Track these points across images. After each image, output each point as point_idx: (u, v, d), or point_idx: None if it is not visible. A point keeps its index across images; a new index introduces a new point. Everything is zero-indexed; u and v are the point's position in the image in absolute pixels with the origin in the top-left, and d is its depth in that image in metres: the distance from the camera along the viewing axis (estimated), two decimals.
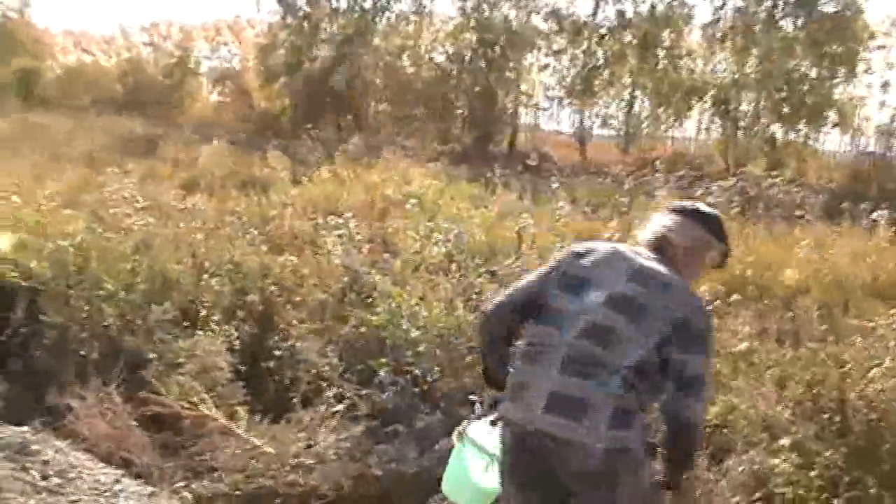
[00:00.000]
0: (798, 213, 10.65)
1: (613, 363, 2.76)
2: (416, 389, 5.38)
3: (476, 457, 3.26)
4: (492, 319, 3.08)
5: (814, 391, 5.03)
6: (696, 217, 3.11)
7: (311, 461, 4.78)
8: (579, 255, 3.02)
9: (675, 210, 3.16)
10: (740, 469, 4.19)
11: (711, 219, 3.13)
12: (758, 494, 4.01)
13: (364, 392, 5.33)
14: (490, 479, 3.17)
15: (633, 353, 2.77)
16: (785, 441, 4.54)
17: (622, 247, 3.08)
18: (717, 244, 3.11)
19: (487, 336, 3.11)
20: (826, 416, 4.93)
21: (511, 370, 2.96)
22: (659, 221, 3.12)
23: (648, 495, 2.95)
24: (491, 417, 3.17)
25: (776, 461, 4.36)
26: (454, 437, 3.37)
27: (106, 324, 5.96)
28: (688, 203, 3.27)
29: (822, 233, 9.09)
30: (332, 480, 4.69)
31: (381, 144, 15.76)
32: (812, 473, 4.51)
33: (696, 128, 21.96)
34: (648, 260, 2.98)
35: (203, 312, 6.06)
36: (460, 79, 21.46)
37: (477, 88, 20.90)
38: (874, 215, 9.49)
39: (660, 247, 3.05)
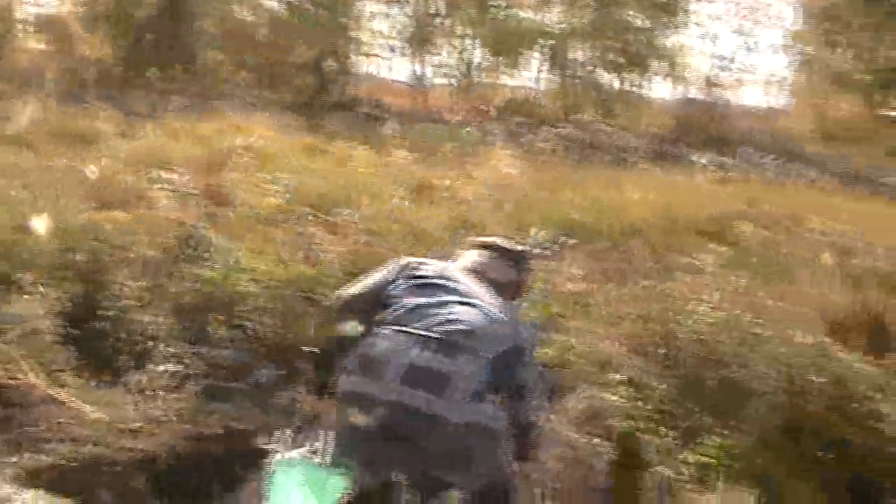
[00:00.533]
0: (627, 157, 10.95)
1: (473, 347, 2.84)
2: (253, 345, 5.25)
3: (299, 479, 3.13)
4: (345, 308, 3.14)
5: (645, 327, 5.19)
6: (505, 254, 3.33)
7: (146, 426, 4.61)
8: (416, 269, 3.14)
9: (484, 247, 3.37)
10: (578, 406, 4.27)
11: (521, 254, 3.41)
12: (596, 430, 4.09)
13: (199, 350, 5.15)
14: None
15: (490, 348, 2.88)
16: (619, 376, 4.66)
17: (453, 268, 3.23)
18: (522, 275, 3.38)
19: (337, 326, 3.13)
20: (657, 350, 5.10)
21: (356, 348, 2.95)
22: (472, 259, 3.31)
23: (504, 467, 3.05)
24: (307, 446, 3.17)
25: (612, 396, 4.47)
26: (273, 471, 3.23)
27: None
28: (491, 241, 3.46)
29: (650, 176, 9.36)
30: (169, 444, 4.53)
31: (216, 95, 15.27)
32: (644, 405, 4.67)
33: (533, 76, 22.29)
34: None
35: (24, 275, 5.71)
36: (296, 27, 20.96)
37: (313, 39, 20.47)
38: (699, 159, 9.85)
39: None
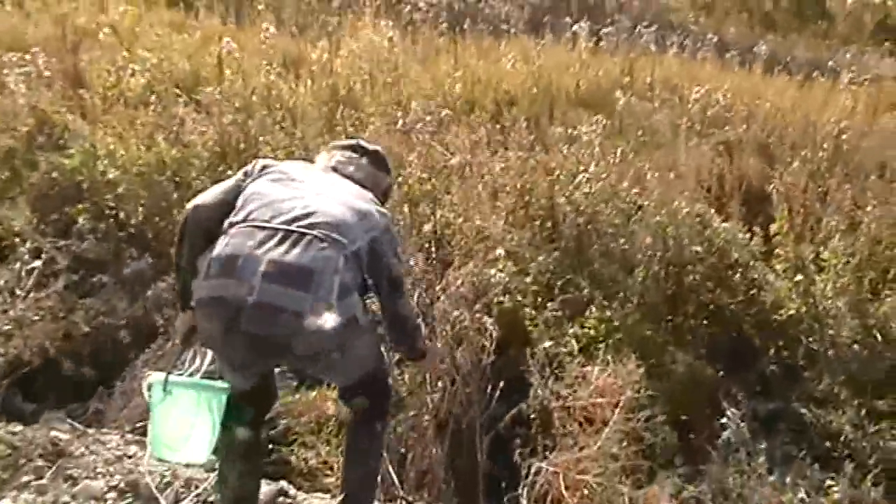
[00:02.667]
0: (504, 27, 10.77)
1: (336, 240, 2.64)
2: (121, 234, 5.00)
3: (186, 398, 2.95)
4: (194, 216, 2.83)
5: (525, 199, 5.15)
6: (365, 154, 3.17)
7: (10, 327, 4.36)
8: (270, 167, 2.95)
9: (344, 148, 3.20)
10: (459, 282, 4.21)
11: (378, 155, 3.22)
12: (477, 306, 4.05)
13: (63, 244, 4.88)
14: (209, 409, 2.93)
15: (355, 241, 2.70)
16: (500, 250, 4.62)
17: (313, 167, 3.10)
18: (385, 177, 3.23)
19: (189, 235, 2.82)
20: (538, 223, 5.08)
21: (209, 253, 2.69)
22: (332, 159, 3.13)
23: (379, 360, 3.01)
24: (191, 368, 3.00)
25: (493, 271, 4.43)
26: (149, 392, 2.96)
27: None
28: (352, 141, 3.29)
29: (527, 46, 9.22)
30: (36, 344, 4.31)
31: None
32: (527, 279, 4.66)
33: None
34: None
35: None
36: None
37: None
38: (575, 28, 9.75)
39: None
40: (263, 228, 2.62)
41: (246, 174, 2.90)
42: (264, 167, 2.91)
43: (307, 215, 2.66)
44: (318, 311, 2.52)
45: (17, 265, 4.69)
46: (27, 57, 6.64)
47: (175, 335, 3.12)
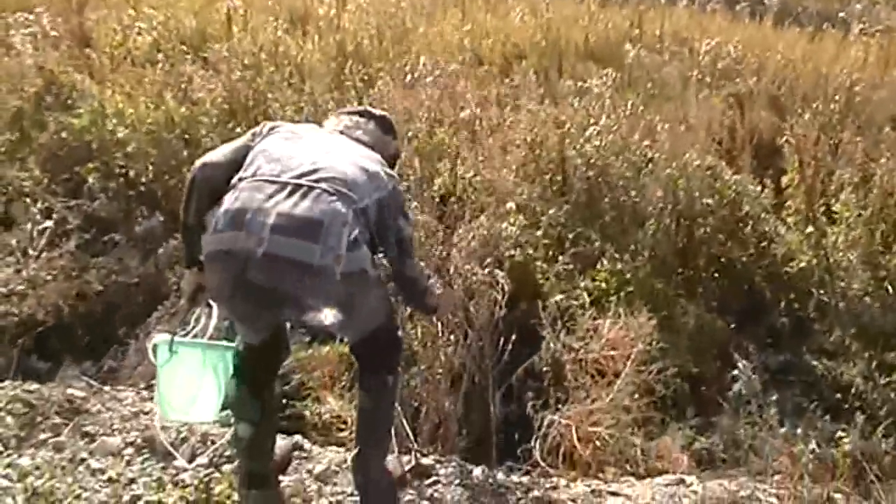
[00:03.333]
0: None
1: (345, 194, 2.63)
2: (132, 193, 5.00)
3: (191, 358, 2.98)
4: (202, 174, 2.79)
5: (535, 153, 5.12)
6: (372, 119, 3.18)
7: (23, 287, 4.39)
8: (279, 127, 2.94)
9: (351, 113, 3.20)
10: (470, 236, 4.21)
11: (386, 120, 3.24)
12: (489, 260, 4.05)
13: (74, 203, 4.90)
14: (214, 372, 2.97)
15: (363, 199, 2.68)
16: (511, 204, 4.61)
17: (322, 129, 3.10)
18: (392, 141, 3.23)
19: (196, 192, 2.78)
20: (548, 176, 5.06)
21: (217, 208, 2.66)
22: (340, 123, 3.13)
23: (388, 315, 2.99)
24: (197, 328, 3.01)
25: (504, 225, 4.43)
26: (154, 354, 2.97)
27: None
28: (360, 108, 3.37)
29: (535, 0, 9.14)
30: (49, 304, 4.34)
31: None
32: (538, 233, 4.65)
33: None
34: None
35: None
36: None
37: None
38: None
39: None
40: (272, 182, 2.61)
41: (254, 135, 2.88)
42: (273, 128, 2.90)
43: (316, 170, 2.65)
44: (326, 262, 2.52)
45: (29, 225, 4.72)
46: (32, 17, 6.62)
47: (182, 295, 3.09)
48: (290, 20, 7.53)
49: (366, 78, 6.08)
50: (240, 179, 2.67)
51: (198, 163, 2.85)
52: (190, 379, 2.93)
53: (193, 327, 3.02)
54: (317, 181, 2.62)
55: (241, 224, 2.54)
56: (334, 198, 2.59)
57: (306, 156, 2.72)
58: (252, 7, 7.16)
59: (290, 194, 2.58)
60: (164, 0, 7.74)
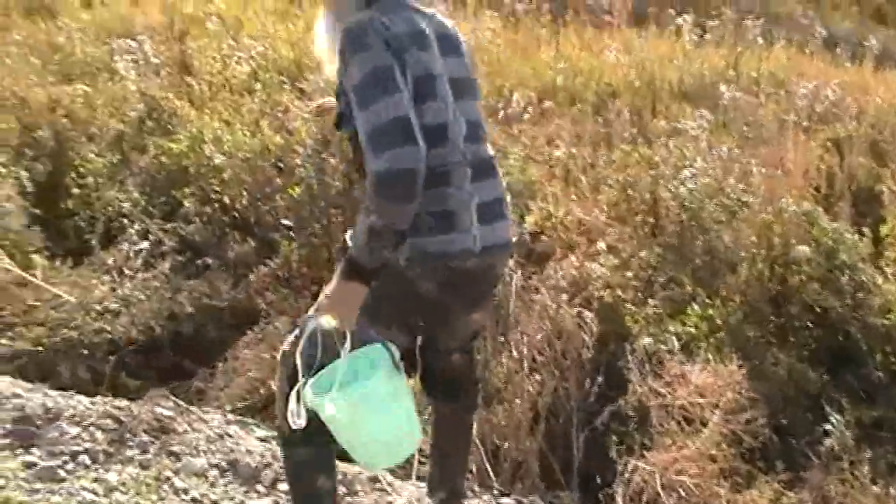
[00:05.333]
0: (606, 18, 10.63)
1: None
2: (226, 218, 5.10)
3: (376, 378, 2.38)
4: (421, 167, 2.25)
5: (628, 194, 5.08)
6: None
7: (117, 305, 4.50)
8: (420, 44, 2.42)
9: None
10: (559, 275, 4.19)
11: None
12: (577, 299, 4.02)
13: (169, 226, 5.00)
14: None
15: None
16: (602, 244, 4.57)
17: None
18: None
19: (419, 189, 2.26)
20: (639, 217, 5.01)
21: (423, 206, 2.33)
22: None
23: None
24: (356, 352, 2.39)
25: (595, 265, 4.39)
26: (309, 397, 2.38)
27: None
28: None
29: (630, 38, 9.10)
30: (142, 323, 4.43)
31: None
32: (628, 274, 4.60)
33: None
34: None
35: None
36: None
37: None
38: (679, 20, 9.58)
39: None
40: (459, 164, 2.44)
41: (395, 54, 2.32)
42: (411, 36, 2.39)
43: (477, 126, 2.53)
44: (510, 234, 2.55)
45: (126, 246, 4.84)
46: (135, 44, 6.83)
47: (344, 321, 2.35)
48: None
49: None
50: (430, 167, 2.32)
51: (415, 153, 2.22)
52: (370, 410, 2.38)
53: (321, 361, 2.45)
54: (484, 148, 2.58)
55: (453, 225, 2.44)
56: (495, 162, 2.64)
57: (461, 99, 2.50)
58: None
59: (477, 176, 2.50)
60: (263, 30, 7.92)
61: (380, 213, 2.20)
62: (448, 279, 2.44)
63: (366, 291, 2.29)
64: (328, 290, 2.35)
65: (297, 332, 2.53)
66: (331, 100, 3.02)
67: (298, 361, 2.42)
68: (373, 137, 2.20)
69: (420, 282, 2.43)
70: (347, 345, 2.34)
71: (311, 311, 2.46)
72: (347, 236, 2.41)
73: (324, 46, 2.58)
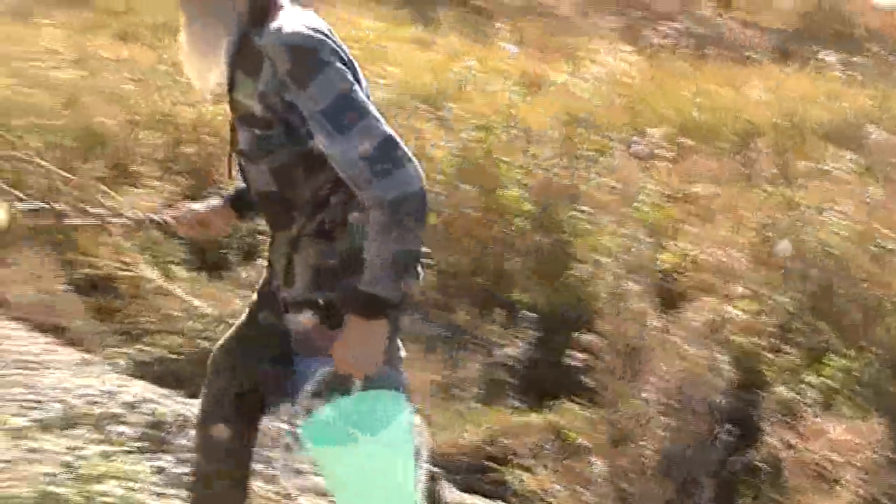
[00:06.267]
0: (748, 54, 10.45)
1: None
2: None
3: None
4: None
5: (770, 236, 4.94)
6: None
7: None
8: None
9: None
10: (694, 316, 4.10)
11: None
12: (715, 344, 3.93)
13: None
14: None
15: None
16: (741, 288, 4.46)
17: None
18: None
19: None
20: (783, 262, 4.86)
21: None
22: None
23: None
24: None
25: (733, 309, 4.28)
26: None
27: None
28: None
29: (773, 74, 8.91)
30: None
31: None
32: (765, 319, 4.46)
33: None
34: None
35: (136, 168, 5.74)
36: None
37: None
38: (825, 57, 9.34)
39: None
40: None
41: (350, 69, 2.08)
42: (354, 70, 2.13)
43: None
44: None
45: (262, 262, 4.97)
46: None
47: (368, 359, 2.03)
48: (525, 83, 7.66)
49: (595, 144, 6.07)
50: None
51: (419, 181, 2.01)
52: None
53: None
54: None
55: None
56: None
57: None
58: (486, 68, 7.34)
59: None
60: (405, 56, 8.07)
61: (403, 240, 1.98)
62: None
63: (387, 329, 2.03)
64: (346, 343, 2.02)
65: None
66: (196, 206, 2.65)
67: None
68: (370, 163, 1.97)
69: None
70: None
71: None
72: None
73: (200, 65, 2.19)
